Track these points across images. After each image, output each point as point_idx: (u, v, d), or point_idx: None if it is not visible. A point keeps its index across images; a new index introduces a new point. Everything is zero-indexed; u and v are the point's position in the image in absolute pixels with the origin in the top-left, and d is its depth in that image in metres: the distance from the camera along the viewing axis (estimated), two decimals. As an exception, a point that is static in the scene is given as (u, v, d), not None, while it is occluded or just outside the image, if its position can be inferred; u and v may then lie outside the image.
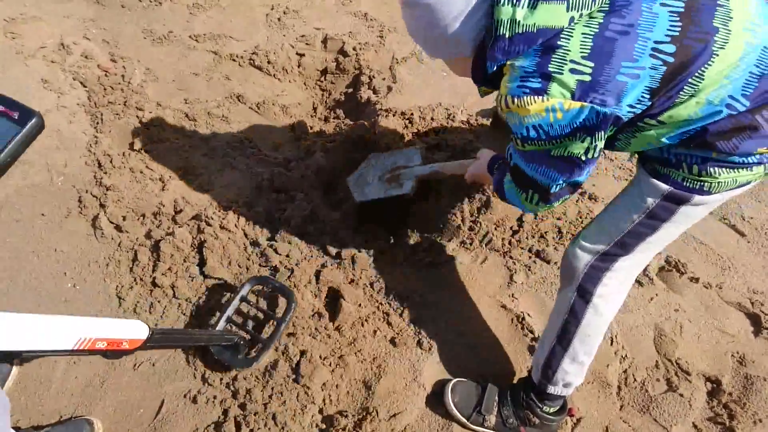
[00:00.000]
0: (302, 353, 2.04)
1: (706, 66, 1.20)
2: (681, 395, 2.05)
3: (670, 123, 1.30)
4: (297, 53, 3.07)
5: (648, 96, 1.24)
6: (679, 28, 1.18)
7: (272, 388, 1.98)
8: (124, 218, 2.35)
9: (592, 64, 1.18)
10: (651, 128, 1.33)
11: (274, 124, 2.76)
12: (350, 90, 3.00)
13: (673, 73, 1.20)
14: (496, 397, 1.93)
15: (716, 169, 1.33)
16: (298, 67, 3.04)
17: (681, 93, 1.23)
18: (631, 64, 1.19)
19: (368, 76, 2.96)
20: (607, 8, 1.20)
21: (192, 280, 2.21)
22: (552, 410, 1.88)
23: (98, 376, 1.99)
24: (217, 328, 1.95)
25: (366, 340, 2.12)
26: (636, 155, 1.58)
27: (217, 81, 2.89)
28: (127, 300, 2.16)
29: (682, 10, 1.19)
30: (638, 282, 2.34)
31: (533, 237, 2.41)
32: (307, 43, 3.14)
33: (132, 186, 2.45)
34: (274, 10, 3.31)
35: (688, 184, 1.38)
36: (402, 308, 2.18)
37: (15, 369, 1.97)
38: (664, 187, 1.42)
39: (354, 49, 3.07)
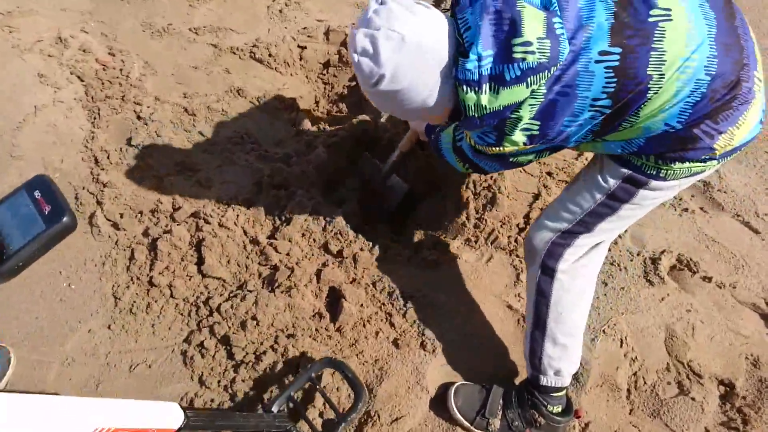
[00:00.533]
0: (302, 355, 1.99)
1: (641, 107, 1.33)
2: (693, 399, 1.99)
3: (612, 140, 1.47)
4: (299, 46, 3.01)
5: (591, 135, 1.44)
6: (614, 85, 1.29)
7: (271, 392, 1.93)
8: (121, 215, 2.30)
9: (539, 123, 1.36)
10: (598, 143, 1.51)
11: (275, 118, 2.70)
12: (353, 83, 2.93)
13: (612, 119, 1.36)
14: (501, 400, 1.88)
15: (669, 162, 1.44)
16: (300, 60, 2.97)
17: (620, 127, 1.39)
18: (572, 119, 1.36)
19: (371, 69, 2.89)
20: (549, 77, 1.30)
21: (190, 279, 2.16)
22: (557, 410, 1.83)
23: (93, 377, 1.95)
24: (274, 405, 1.73)
25: (368, 341, 2.06)
26: None
27: (217, 75, 2.83)
28: (123, 299, 2.11)
29: (617, 64, 1.27)
30: (649, 281, 2.27)
31: (540, 235, 2.35)
32: (309, 36, 3.07)
33: (129, 183, 2.39)
34: (276, 2, 3.24)
35: (646, 170, 1.49)
36: (405, 308, 2.12)
37: (10, 369, 1.93)
38: (624, 170, 1.52)
39: (357, 41, 2.99)
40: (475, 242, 2.33)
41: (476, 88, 1.30)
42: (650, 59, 1.27)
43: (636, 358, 2.08)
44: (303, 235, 2.26)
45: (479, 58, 1.28)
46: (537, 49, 1.25)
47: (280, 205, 2.33)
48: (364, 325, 2.09)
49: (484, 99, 1.31)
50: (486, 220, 2.33)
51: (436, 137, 1.98)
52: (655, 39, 1.27)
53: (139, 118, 2.56)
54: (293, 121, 2.68)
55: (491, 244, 2.32)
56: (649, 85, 1.28)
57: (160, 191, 2.38)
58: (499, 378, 1.99)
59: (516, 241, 2.31)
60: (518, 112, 1.34)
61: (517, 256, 2.29)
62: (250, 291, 2.10)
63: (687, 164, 1.43)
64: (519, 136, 1.39)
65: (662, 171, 1.47)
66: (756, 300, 2.24)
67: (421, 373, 1.99)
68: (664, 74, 1.28)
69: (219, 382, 1.95)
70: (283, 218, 2.29)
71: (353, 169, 2.54)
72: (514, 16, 1.26)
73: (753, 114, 1.37)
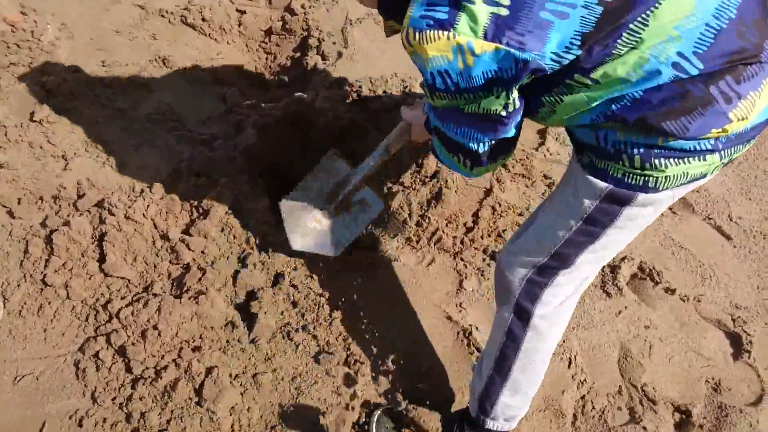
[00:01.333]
0: (208, 371, 1.76)
1: (652, 9, 0.98)
2: (644, 428, 1.80)
3: (603, 83, 1.05)
4: (237, 10, 2.69)
5: (578, 42, 1.01)
6: None
7: (171, 412, 1.72)
8: (18, 201, 2.03)
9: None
10: (581, 89, 1.08)
11: (204, 93, 2.41)
12: (298, 54, 2.63)
13: (612, 16, 0.98)
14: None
15: (662, 160, 1.09)
16: (239, 26, 2.66)
17: (619, 42, 1.00)
18: (556, 6, 0.97)
19: (317, 38, 2.59)
20: None
21: (90, 279, 1.91)
22: None
23: (-31, 392, 1.71)
24: None
25: (286, 355, 1.84)
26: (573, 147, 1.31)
27: (142, 41, 2.52)
28: (13, 300, 1.86)
29: None
30: (606, 293, 2.05)
31: (489, 236, 2.11)
32: (250, -1, 2.75)
33: (30, 163, 2.11)
34: (214, -41, 2.90)
35: (630, 180, 1.14)
36: (331, 318, 1.89)
37: None
38: (602, 185, 1.17)
39: (303, 6, 2.68)
40: (417, 242, 2.09)
41: None
42: None
43: (585, 380, 1.87)
44: (222, 230, 2.01)
45: None
46: None
47: (199, 195, 2.07)
48: (283, 337, 1.87)
49: None
50: (430, 218, 2.08)
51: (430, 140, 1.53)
52: None
53: (45, 89, 2.26)
54: (223, 96, 2.39)
55: (434, 245, 2.08)
56: None
57: (63, 174, 2.10)
58: (429, 401, 1.78)
59: (462, 242, 2.08)
60: None
61: (462, 259, 2.06)
62: (155, 295, 1.86)
63: (683, 164, 1.09)
64: (481, 8, 0.99)
65: (651, 179, 1.12)
66: (722, 316, 2.03)
67: (342, 394, 1.77)
68: None
69: (114, 399, 1.74)
70: (201, 210, 2.03)
71: (287, 152, 2.26)
72: None
73: None
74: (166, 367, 1.76)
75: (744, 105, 1.03)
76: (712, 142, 1.07)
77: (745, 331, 1.99)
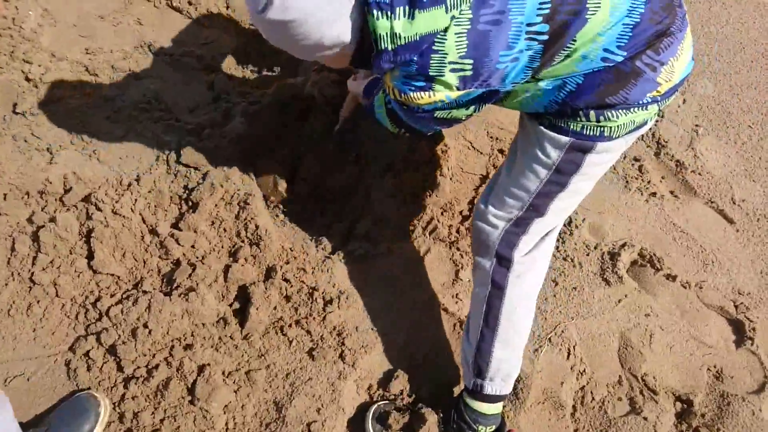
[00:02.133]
0: (201, 369, 1.73)
1: (579, 31, 1.19)
2: (645, 419, 1.77)
3: (550, 76, 1.28)
4: (225, -8, 2.60)
5: (530, 71, 1.25)
6: (549, 5, 1.16)
7: (164, 411, 1.69)
8: (4, 197, 1.97)
9: (471, 61, 1.18)
10: (530, 83, 1.31)
11: (192, 79, 2.33)
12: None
13: (551, 46, 1.20)
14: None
15: (613, 112, 1.30)
16: (227, 8, 2.57)
17: (556, 57, 1.23)
18: (508, 52, 1.18)
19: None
20: (471, 3, 1.13)
21: (79, 276, 1.87)
22: (489, 431, 1.60)
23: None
24: None
25: (279, 351, 1.81)
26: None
27: (127, 26, 2.44)
28: (1, 299, 1.82)
29: None
30: (605, 280, 2.01)
31: (487, 224, 2.06)
32: (241, -22, 2.66)
33: (15, 157, 2.05)
34: (201, -63, 2.80)
35: (588, 132, 1.34)
36: (324, 312, 1.86)
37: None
38: (565, 139, 1.37)
39: (292, -13, 2.58)
40: (412, 232, 2.04)
41: (388, 12, 1.10)
42: None
43: (584, 370, 1.84)
44: (212, 224, 1.96)
45: None
46: None
47: (188, 187, 2.02)
48: (276, 333, 1.83)
49: (398, 25, 1.12)
50: (425, 207, 2.03)
51: (371, 100, 1.72)
52: None
53: (28, 79, 2.19)
54: (211, 83, 2.32)
55: (429, 234, 2.03)
56: (588, 4, 1.17)
57: (49, 168, 2.05)
58: (425, 396, 1.75)
59: (458, 231, 2.03)
60: (441, 45, 1.16)
61: (458, 249, 2.01)
62: (145, 293, 1.82)
63: (630, 114, 1.31)
64: (450, 77, 1.20)
65: (606, 129, 1.33)
66: (724, 303, 1.98)
67: (338, 390, 1.75)
68: None
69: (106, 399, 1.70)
70: (190, 203, 1.98)
71: (279, 141, 2.20)
72: None
73: (688, 43, 1.31)
74: (157, 366, 1.74)
75: (667, 69, 1.27)
76: (650, 97, 1.30)
77: (748, 318, 1.95)
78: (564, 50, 1.21)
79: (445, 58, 1.17)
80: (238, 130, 2.12)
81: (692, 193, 2.24)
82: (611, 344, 1.89)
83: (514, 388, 1.78)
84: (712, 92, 2.56)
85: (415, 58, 1.18)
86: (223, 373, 1.75)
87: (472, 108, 1.33)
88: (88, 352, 1.76)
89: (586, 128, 1.34)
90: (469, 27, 1.14)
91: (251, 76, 2.46)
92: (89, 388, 1.72)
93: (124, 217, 1.92)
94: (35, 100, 2.16)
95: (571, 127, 1.35)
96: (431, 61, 1.18)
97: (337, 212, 2.14)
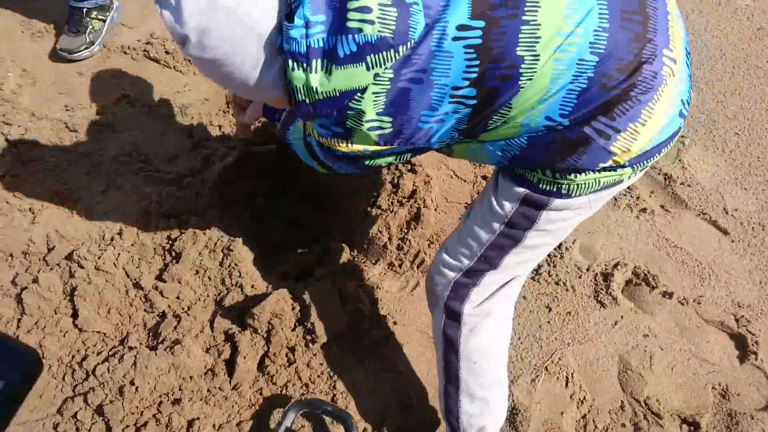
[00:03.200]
0: (190, 423, 1.69)
1: (512, 98, 1.07)
2: (651, 445, 1.70)
3: (490, 140, 1.19)
4: (201, 39, 2.61)
5: (457, 132, 1.16)
6: (477, 69, 1.04)
7: (154, 471, 1.64)
8: (-12, 260, 1.97)
9: (390, 119, 1.10)
10: (470, 142, 1.22)
11: (171, 129, 2.33)
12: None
13: (478, 111, 1.10)
14: None
15: (566, 173, 1.18)
16: (204, 55, 2.59)
17: (490, 122, 1.12)
18: (430, 112, 1.09)
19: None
20: (397, 60, 1.03)
21: (64, 336, 1.84)
22: None
23: None
24: None
25: (270, 400, 1.76)
26: None
27: (105, 80, 2.45)
28: (-13, 365, 1.79)
29: (480, 41, 1.02)
30: (600, 302, 1.96)
31: (475, 253, 2.02)
32: (217, 25, 2.68)
33: (-3, 220, 2.05)
34: (175, -13, 2.82)
35: (544, 187, 1.22)
36: (314, 352, 1.82)
37: None
38: (520, 189, 1.24)
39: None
40: (399, 266, 2.01)
41: (304, 64, 1.01)
42: (521, 36, 1.02)
43: (585, 398, 1.79)
44: (196, 273, 1.94)
45: (307, 24, 0.98)
46: (378, 18, 0.98)
47: (170, 237, 2.00)
48: (266, 381, 1.79)
49: (315, 79, 1.02)
50: (410, 240, 2.00)
51: (284, 124, 1.60)
52: (526, 9, 1.02)
53: (7, 141, 2.19)
54: (190, 130, 2.32)
55: (417, 268, 2.00)
56: (521, 70, 1.03)
57: (31, 228, 2.04)
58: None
59: (446, 263, 1.99)
60: (359, 103, 1.07)
61: (448, 281, 1.97)
62: (130, 348, 1.79)
63: (593, 174, 1.16)
64: (368, 133, 1.12)
65: (563, 186, 1.20)
66: (724, 317, 1.93)
67: (332, 435, 1.70)
68: (538, 55, 1.02)
69: (94, 461, 1.66)
70: (173, 254, 1.96)
71: (260, 179, 2.19)
72: None
73: (663, 105, 1.10)
74: (146, 424, 1.69)
75: (625, 136, 1.10)
76: (608, 162, 1.14)
77: (750, 331, 1.89)
78: (498, 116, 1.10)
79: (362, 116, 1.09)
80: (218, 176, 2.11)
81: (683, 206, 2.20)
82: (610, 368, 1.84)
83: (513, 421, 1.73)
84: (695, 102, 2.53)
85: (334, 113, 1.10)
86: (214, 426, 1.71)
87: (392, 158, 1.25)
88: (75, 413, 1.72)
89: (542, 182, 1.21)
90: (389, 87, 1.05)
91: (231, 121, 2.46)
92: (78, 452, 1.69)
93: (107, 272, 1.90)
94: (15, 162, 2.16)
95: (527, 176, 1.23)
96: (348, 119, 1.11)
97: (323, 250, 2.11)
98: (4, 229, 2.04)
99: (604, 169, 1.16)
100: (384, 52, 1.00)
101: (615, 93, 1.06)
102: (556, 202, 1.22)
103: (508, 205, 1.27)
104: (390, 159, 1.26)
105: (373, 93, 1.05)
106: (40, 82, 2.44)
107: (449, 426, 1.56)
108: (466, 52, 1.02)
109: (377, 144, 1.14)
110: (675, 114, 1.13)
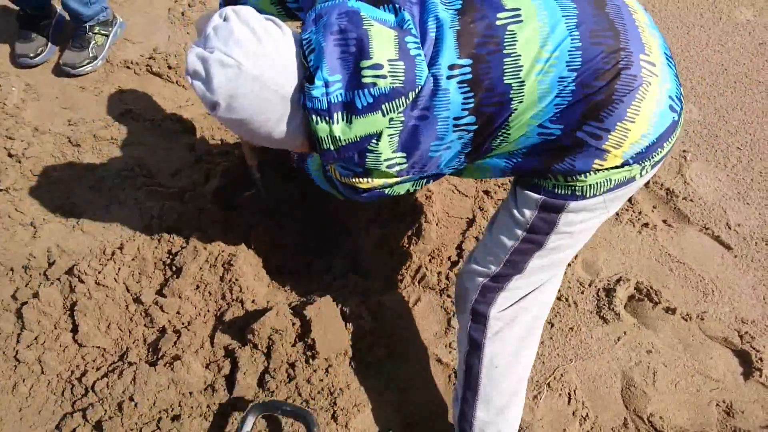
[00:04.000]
0: (190, 441, 1.68)
1: (509, 118, 1.21)
2: (655, 463, 1.68)
3: (493, 155, 1.33)
4: (204, 54, 2.63)
5: (464, 156, 1.31)
6: (473, 100, 1.19)
7: (153, 489, 1.63)
8: (-11, 274, 1.97)
9: (404, 154, 1.25)
10: (480, 164, 1.37)
11: (174, 143, 2.34)
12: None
13: (480, 134, 1.24)
14: None
15: (576, 175, 1.28)
16: (207, 69, 2.60)
17: (493, 142, 1.27)
18: (438, 142, 1.24)
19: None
20: (407, 104, 1.19)
21: (64, 351, 1.84)
22: None
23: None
24: None
25: (271, 416, 1.75)
26: None
27: (108, 95, 2.46)
28: (-14, 381, 1.79)
29: (470, 77, 1.18)
30: (602, 318, 1.95)
31: (476, 268, 2.01)
32: (219, 40, 2.69)
33: (-2, 234, 2.05)
34: (178, 3, 2.84)
35: (559, 191, 1.32)
36: (315, 368, 1.80)
37: None
38: (537, 196, 1.34)
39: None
40: (400, 282, 2.00)
41: (327, 118, 1.17)
42: (504, 67, 1.17)
43: (587, 415, 1.77)
44: (197, 287, 1.94)
45: (326, 84, 1.15)
46: (389, 72, 1.13)
47: (171, 252, 2.00)
48: (266, 397, 1.78)
49: (337, 129, 1.19)
50: (412, 255, 2.00)
51: (300, 157, 1.88)
52: (506, 43, 1.17)
53: (10, 155, 2.20)
54: (193, 145, 2.32)
55: (418, 283, 1.99)
56: (511, 95, 1.18)
57: (33, 243, 2.04)
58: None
59: (447, 278, 1.99)
60: (376, 145, 1.23)
61: (449, 296, 1.96)
62: (130, 364, 1.79)
63: (601, 173, 1.26)
64: (386, 170, 1.27)
65: (576, 188, 1.30)
66: (728, 333, 1.92)
67: (332, 453, 1.68)
68: (523, 81, 1.18)
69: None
70: (174, 269, 1.95)
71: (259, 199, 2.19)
72: (361, 36, 1.13)
73: (649, 103, 1.21)
74: (145, 441, 1.69)
75: (616, 135, 1.20)
76: (604, 159, 1.24)
77: (754, 348, 1.88)
78: (498, 136, 1.24)
79: (380, 156, 1.24)
80: (219, 191, 2.11)
81: (686, 221, 2.19)
82: (613, 385, 1.83)
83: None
84: (697, 116, 2.53)
85: (355, 155, 1.24)
86: (213, 443, 1.70)
87: (410, 185, 1.38)
88: (74, 429, 1.71)
89: (557, 187, 1.31)
90: (401, 128, 1.21)
91: (233, 136, 2.46)
92: (76, 469, 1.67)
93: (107, 287, 1.90)
94: (18, 176, 2.17)
95: (543, 185, 1.33)
96: (367, 160, 1.25)
97: (324, 266, 2.11)
98: (6, 244, 2.04)
99: (612, 168, 1.25)
100: (396, 100, 1.15)
101: (598, 98, 1.17)
102: (572, 204, 1.31)
103: (528, 213, 1.36)
104: (407, 186, 1.38)
105: (389, 135, 1.21)
106: (43, 97, 2.46)
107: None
108: (460, 87, 1.17)
109: (395, 176, 1.28)
110: (664, 109, 1.23)
